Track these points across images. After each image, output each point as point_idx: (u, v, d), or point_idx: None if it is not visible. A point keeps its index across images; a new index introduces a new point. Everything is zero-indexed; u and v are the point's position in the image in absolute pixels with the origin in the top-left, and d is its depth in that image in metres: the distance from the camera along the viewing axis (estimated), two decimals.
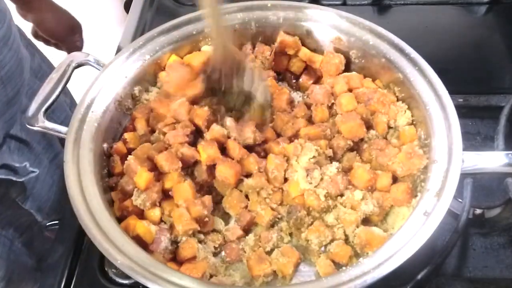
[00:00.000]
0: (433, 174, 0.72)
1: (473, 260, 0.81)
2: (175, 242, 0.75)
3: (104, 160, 0.82)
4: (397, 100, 0.87)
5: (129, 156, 0.79)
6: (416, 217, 0.68)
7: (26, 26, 1.24)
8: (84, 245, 0.83)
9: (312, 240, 0.75)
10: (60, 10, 1.24)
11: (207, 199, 0.78)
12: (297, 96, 0.97)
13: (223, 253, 0.77)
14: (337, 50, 0.93)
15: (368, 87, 0.89)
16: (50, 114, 0.84)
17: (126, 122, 0.89)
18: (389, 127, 0.86)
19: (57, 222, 1.25)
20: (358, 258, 0.74)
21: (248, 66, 0.82)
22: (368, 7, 1.21)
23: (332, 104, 0.88)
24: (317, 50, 0.95)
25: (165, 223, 0.77)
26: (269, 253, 0.77)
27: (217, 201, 0.82)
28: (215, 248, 0.77)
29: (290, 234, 0.79)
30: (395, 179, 0.79)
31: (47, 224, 1.27)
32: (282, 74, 0.99)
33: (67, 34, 1.24)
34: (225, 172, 0.78)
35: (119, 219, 0.76)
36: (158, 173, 0.78)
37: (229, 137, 0.82)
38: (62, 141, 0.79)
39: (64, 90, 0.87)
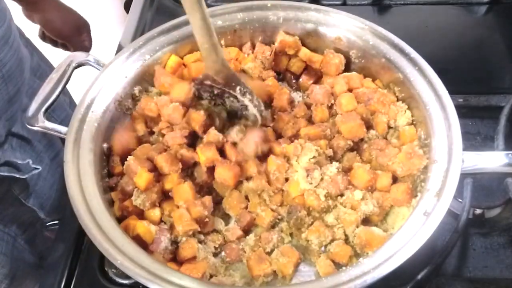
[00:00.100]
0: (433, 174, 0.72)
1: (473, 260, 0.81)
2: (175, 242, 0.75)
3: (104, 160, 0.82)
4: (397, 100, 0.87)
5: (129, 156, 0.79)
6: (416, 217, 0.68)
7: (26, 26, 1.24)
8: (84, 245, 0.83)
9: (312, 240, 0.75)
10: (66, 9, 1.24)
11: (207, 199, 0.78)
12: (297, 96, 0.97)
13: (223, 253, 0.77)
14: (337, 50, 0.93)
15: (368, 87, 0.89)
16: (51, 113, 0.85)
17: (126, 122, 0.89)
18: (389, 127, 0.86)
19: (57, 221, 1.25)
20: (358, 258, 0.74)
21: (242, 83, 0.79)
22: (368, 7, 1.21)
23: (332, 104, 0.88)
24: (317, 50, 0.95)
25: (165, 223, 0.77)
26: (269, 253, 0.77)
27: (217, 201, 0.82)
28: (215, 248, 0.77)
29: (291, 234, 0.79)
30: (395, 179, 0.79)
31: (48, 224, 1.27)
32: (282, 74, 0.99)
33: (74, 34, 1.24)
34: (224, 175, 0.78)
35: (119, 219, 0.76)
36: (158, 174, 0.78)
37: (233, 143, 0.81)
38: (63, 139, 0.79)
39: (63, 90, 0.87)
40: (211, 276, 0.74)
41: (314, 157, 0.79)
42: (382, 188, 0.78)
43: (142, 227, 0.73)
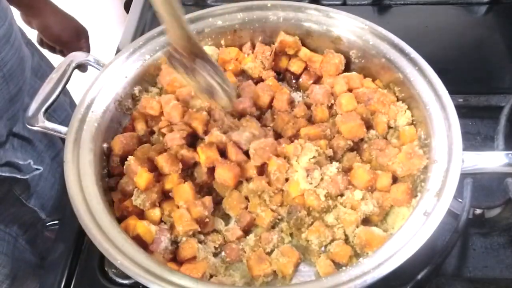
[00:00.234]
0: (433, 174, 0.72)
1: (473, 260, 0.81)
2: (175, 242, 0.75)
3: (104, 160, 0.82)
4: (397, 100, 0.87)
5: (129, 156, 0.79)
6: (416, 217, 0.68)
7: (26, 26, 1.24)
8: (84, 245, 0.83)
9: (312, 240, 0.75)
10: (65, 15, 1.24)
11: (208, 200, 0.78)
12: (297, 96, 0.97)
13: (223, 253, 0.77)
14: (337, 50, 0.93)
15: (368, 87, 0.89)
16: (51, 113, 0.85)
17: (126, 122, 0.89)
18: (389, 127, 0.86)
19: (57, 221, 1.25)
20: (358, 258, 0.74)
21: (212, 64, 0.76)
22: (368, 7, 1.21)
23: (332, 104, 0.88)
24: (317, 50, 0.95)
25: (165, 223, 0.77)
26: (269, 253, 0.77)
27: (217, 201, 0.82)
28: (215, 248, 0.77)
29: (291, 235, 0.79)
30: (395, 179, 0.79)
31: (48, 224, 1.27)
32: (282, 74, 0.99)
33: (73, 40, 1.24)
34: (224, 175, 0.78)
35: (119, 219, 0.76)
36: (158, 174, 0.78)
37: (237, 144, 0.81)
38: (63, 139, 0.79)
39: (63, 90, 0.87)
40: (211, 276, 0.74)
41: (314, 157, 0.79)
42: (382, 188, 0.78)
43: (142, 227, 0.73)
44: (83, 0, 2.25)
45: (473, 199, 0.81)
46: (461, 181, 0.70)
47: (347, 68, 0.94)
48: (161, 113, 0.85)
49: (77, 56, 0.90)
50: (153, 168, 0.79)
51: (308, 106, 0.89)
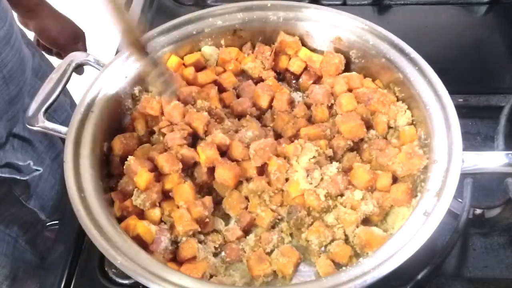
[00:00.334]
0: (433, 174, 0.72)
1: (473, 260, 0.80)
2: (175, 242, 0.75)
3: (104, 160, 0.82)
4: (397, 100, 0.87)
5: (130, 156, 0.79)
6: (416, 217, 0.68)
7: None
8: (84, 245, 0.83)
9: (312, 241, 0.75)
10: (62, 18, 1.23)
11: (208, 200, 0.78)
12: (297, 96, 0.97)
13: (223, 253, 0.77)
14: (337, 50, 0.93)
15: (368, 87, 0.89)
16: (52, 114, 0.84)
17: (126, 122, 0.89)
18: (389, 127, 0.86)
19: (57, 222, 1.25)
20: (358, 258, 0.74)
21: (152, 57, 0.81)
22: (368, 7, 1.21)
23: (332, 104, 0.88)
24: (317, 50, 0.95)
25: (165, 223, 0.77)
26: (269, 253, 0.77)
27: (217, 201, 0.82)
28: (215, 248, 0.77)
29: (291, 235, 0.79)
30: (395, 179, 0.79)
31: (48, 224, 1.27)
32: (282, 74, 0.99)
33: (70, 43, 1.24)
34: (224, 175, 0.78)
35: (119, 219, 0.76)
36: (158, 174, 0.78)
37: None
38: (64, 140, 0.79)
39: (64, 90, 0.87)
40: (211, 276, 0.74)
41: (314, 157, 0.79)
42: (382, 188, 0.78)
43: (142, 227, 0.73)
44: (84, 0, 2.25)
45: (473, 199, 0.81)
46: (461, 181, 0.70)
47: (347, 68, 0.94)
48: (162, 113, 0.85)
49: (77, 56, 0.90)
50: (153, 168, 0.79)
51: (308, 106, 0.89)
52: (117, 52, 1.04)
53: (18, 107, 1.04)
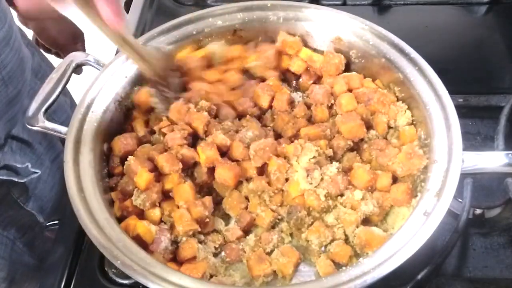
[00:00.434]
0: (433, 174, 0.72)
1: (473, 260, 0.80)
2: (175, 242, 0.75)
3: (104, 160, 0.82)
4: (397, 100, 0.87)
5: (130, 157, 0.79)
6: (416, 217, 0.68)
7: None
8: (84, 245, 0.83)
9: (312, 241, 0.75)
10: (62, 18, 1.23)
11: (208, 200, 0.78)
12: (297, 96, 0.96)
13: (223, 253, 0.77)
14: (337, 50, 0.93)
15: (368, 87, 0.89)
16: (51, 114, 0.84)
17: (126, 122, 0.89)
18: (389, 127, 0.86)
19: (57, 222, 1.25)
20: (358, 258, 0.74)
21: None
22: (368, 7, 1.21)
23: (332, 104, 0.88)
24: (317, 50, 0.95)
25: (165, 223, 0.77)
26: (269, 253, 0.77)
27: (218, 201, 0.82)
28: (215, 248, 0.77)
29: (291, 235, 0.79)
30: (395, 179, 0.79)
31: (47, 224, 1.27)
32: (283, 74, 0.98)
33: (69, 43, 1.23)
34: (224, 175, 0.78)
35: (119, 219, 0.76)
36: (158, 174, 0.78)
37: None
38: (63, 141, 0.79)
39: (64, 90, 0.87)
40: (211, 276, 0.74)
41: (314, 157, 0.79)
42: (382, 188, 0.78)
43: (142, 227, 0.73)
44: None
45: (473, 199, 0.81)
46: (461, 181, 0.70)
47: (347, 68, 0.93)
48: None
49: (77, 56, 0.90)
50: (153, 168, 0.79)
51: (308, 106, 0.89)
52: (117, 52, 1.04)
53: (17, 109, 1.04)
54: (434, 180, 0.71)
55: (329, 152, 0.82)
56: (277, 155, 0.80)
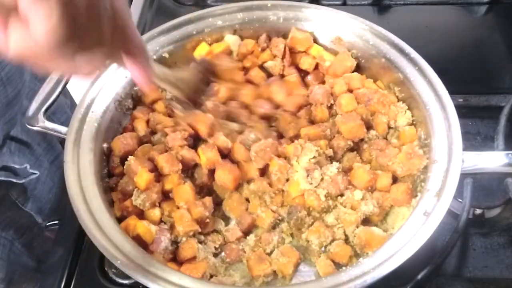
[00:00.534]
0: (433, 174, 0.72)
1: (473, 260, 0.80)
2: (175, 243, 0.75)
3: (104, 160, 0.82)
4: (398, 101, 0.87)
5: (130, 157, 0.79)
6: (416, 217, 0.68)
7: None
8: (84, 245, 0.83)
9: (312, 241, 0.75)
10: None
11: (208, 200, 0.78)
12: None
13: (223, 253, 0.77)
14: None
15: (368, 87, 0.89)
16: (51, 115, 0.84)
17: (126, 122, 0.89)
18: (389, 128, 0.86)
19: (57, 222, 1.25)
20: (358, 258, 0.74)
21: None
22: (368, 7, 1.21)
23: (332, 104, 0.87)
24: None
25: (165, 223, 0.77)
26: (269, 254, 0.77)
27: (218, 202, 0.81)
28: (216, 248, 0.77)
29: (291, 235, 0.79)
30: (395, 179, 0.79)
31: (47, 224, 1.27)
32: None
33: None
34: (223, 178, 0.78)
35: (119, 219, 0.76)
36: (158, 174, 0.78)
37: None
38: (62, 142, 0.79)
39: (64, 91, 0.87)
40: (211, 276, 0.74)
41: (314, 157, 0.79)
42: (382, 188, 0.78)
43: (142, 227, 0.73)
44: None
45: (473, 199, 0.81)
46: (461, 181, 0.70)
47: None
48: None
49: None
50: (154, 168, 0.79)
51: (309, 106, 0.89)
52: None
53: (16, 110, 1.04)
54: (434, 180, 0.71)
55: (329, 152, 0.81)
56: (278, 156, 0.80)
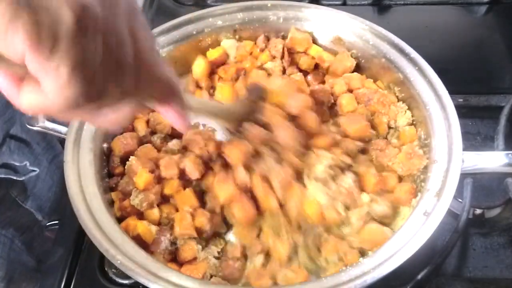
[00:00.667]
0: (433, 174, 0.72)
1: (473, 260, 0.80)
2: (175, 243, 0.75)
3: (104, 160, 0.82)
4: (398, 101, 0.87)
5: (131, 157, 0.79)
6: (416, 217, 0.68)
7: None
8: (84, 245, 0.83)
9: (331, 259, 0.72)
10: None
11: (217, 219, 0.75)
12: None
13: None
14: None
15: (368, 87, 0.89)
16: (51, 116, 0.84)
17: None
18: (389, 127, 0.86)
19: (57, 222, 1.25)
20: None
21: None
22: (368, 7, 1.21)
23: (332, 104, 0.87)
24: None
25: (165, 225, 0.77)
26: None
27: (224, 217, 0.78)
28: (218, 253, 0.75)
29: (309, 258, 0.74)
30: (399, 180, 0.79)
31: (47, 224, 1.27)
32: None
33: None
34: (238, 214, 0.73)
35: (119, 219, 0.76)
36: (158, 176, 0.78)
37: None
38: (62, 142, 0.79)
39: None
40: (211, 276, 0.74)
41: (330, 165, 0.75)
42: (390, 189, 0.77)
43: (142, 227, 0.73)
44: None
45: (473, 199, 0.81)
46: (461, 181, 0.70)
47: None
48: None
49: None
50: (155, 169, 0.79)
51: None
52: None
53: (15, 109, 1.04)
54: (434, 180, 0.71)
55: (346, 159, 0.77)
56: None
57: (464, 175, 0.74)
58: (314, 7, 0.95)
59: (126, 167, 0.79)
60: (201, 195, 0.79)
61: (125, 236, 0.69)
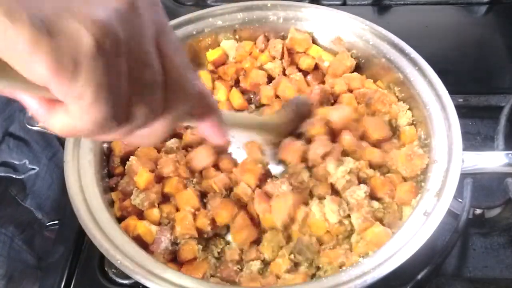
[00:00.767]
0: (433, 174, 0.72)
1: (473, 260, 0.80)
2: (175, 243, 0.75)
3: (104, 160, 0.82)
4: (398, 101, 0.87)
5: (132, 157, 0.79)
6: (416, 217, 0.68)
7: None
8: (84, 245, 0.83)
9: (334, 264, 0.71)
10: None
11: (221, 224, 0.75)
12: None
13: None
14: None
15: (368, 87, 0.89)
16: None
17: None
18: (390, 127, 0.86)
19: (57, 222, 1.25)
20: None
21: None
22: (368, 7, 1.21)
23: (332, 104, 0.87)
24: None
25: (165, 225, 0.77)
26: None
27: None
28: (218, 253, 0.76)
29: (310, 263, 0.73)
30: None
31: (47, 224, 1.27)
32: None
33: None
34: (239, 238, 0.74)
35: (119, 219, 0.76)
36: (159, 176, 0.78)
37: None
38: (60, 140, 0.79)
39: None
40: (211, 276, 0.74)
41: (350, 170, 0.74)
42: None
43: (142, 227, 0.73)
44: None
45: (473, 199, 0.81)
46: (461, 181, 0.70)
47: None
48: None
49: None
50: (155, 169, 0.79)
51: None
52: None
53: (14, 107, 1.04)
54: (434, 180, 0.71)
55: (369, 171, 0.77)
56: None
57: (464, 175, 0.74)
58: (314, 7, 0.95)
59: (126, 167, 0.79)
60: (201, 195, 0.79)
61: (125, 236, 0.69)
